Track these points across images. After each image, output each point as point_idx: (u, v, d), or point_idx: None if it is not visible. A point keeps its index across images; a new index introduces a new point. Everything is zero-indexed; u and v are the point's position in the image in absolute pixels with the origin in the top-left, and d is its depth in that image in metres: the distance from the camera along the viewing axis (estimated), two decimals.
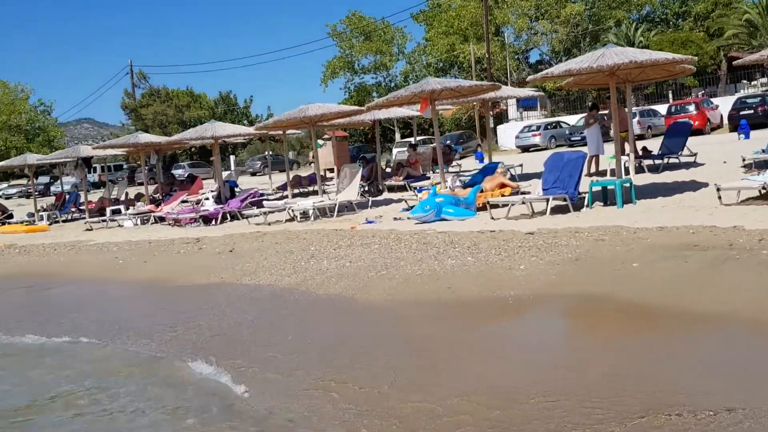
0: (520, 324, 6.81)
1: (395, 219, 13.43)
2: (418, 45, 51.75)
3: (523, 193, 13.55)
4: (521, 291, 7.33)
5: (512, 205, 12.20)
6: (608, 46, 12.10)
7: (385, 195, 18.26)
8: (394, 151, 37.78)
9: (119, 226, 18.49)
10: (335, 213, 15.12)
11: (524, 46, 49.85)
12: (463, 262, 8.77)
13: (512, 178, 16.21)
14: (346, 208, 15.61)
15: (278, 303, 8.41)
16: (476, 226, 11.11)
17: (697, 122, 29.42)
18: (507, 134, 40.49)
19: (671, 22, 43.51)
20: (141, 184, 40.65)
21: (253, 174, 41.67)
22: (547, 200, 11.56)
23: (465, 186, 14.63)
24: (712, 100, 34.63)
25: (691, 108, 31.82)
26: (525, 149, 35.68)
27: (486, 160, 28.69)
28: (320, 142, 34.09)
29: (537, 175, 16.99)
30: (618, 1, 45.34)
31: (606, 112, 16.88)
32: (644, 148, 17.04)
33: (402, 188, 18.63)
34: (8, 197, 45.10)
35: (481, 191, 13.26)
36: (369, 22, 50.60)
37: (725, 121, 31.66)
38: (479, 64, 44.36)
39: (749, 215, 9.19)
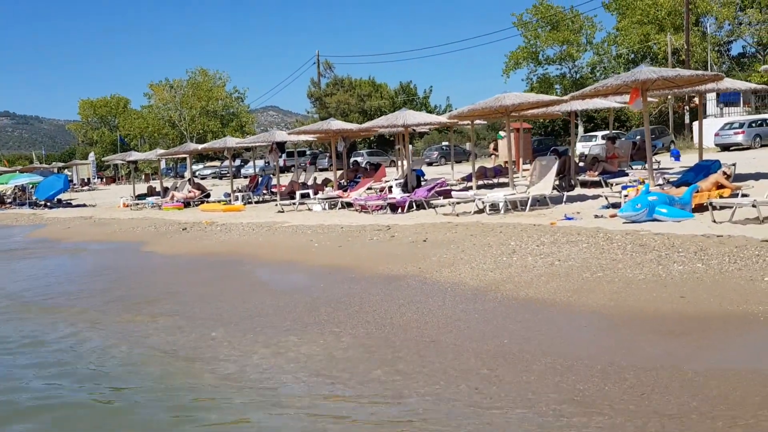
0: None
1: (596, 217, 12.53)
2: (608, 35, 49.17)
3: (744, 195, 12.14)
4: None
5: (737, 207, 10.90)
6: None
7: (578, 191, 17.24)
8: (578, 145, 36.09)
9: (309, 209, 18.90)
10: (527, 207, 14.43)
11: (726, 37, 45.92)
12: (692, 269, 7.81)
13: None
14: (538, 202, 14.86)
15: (490, 304, 7.91)
16: (697, 229, 10.00)
17: None
18: (705, 131, 37.41)
19: None
20: (323, 169, 42.20)
21: (430, 164, 41.58)
22: None
23: (675, 185, 13.40)
24: None
25: None
26: (725, 148, 32.81)
27: (682, 158, 26.74)
28: (501, 133, 33.29)
29: (746, 177, 15.35)
30: None
31: None
32: None
33: (596, 184, 17.53)
34: (203, 177, 48.33)
35: (697, 191, 12.01)
36: (557, 11, 48.73)
37: None
38: (675, 55, 41.34)
39: None
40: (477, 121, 22.52)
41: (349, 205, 18.28)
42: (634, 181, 15.37)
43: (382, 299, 8.45)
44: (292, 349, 6.78)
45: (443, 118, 19.29)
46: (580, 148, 34.03)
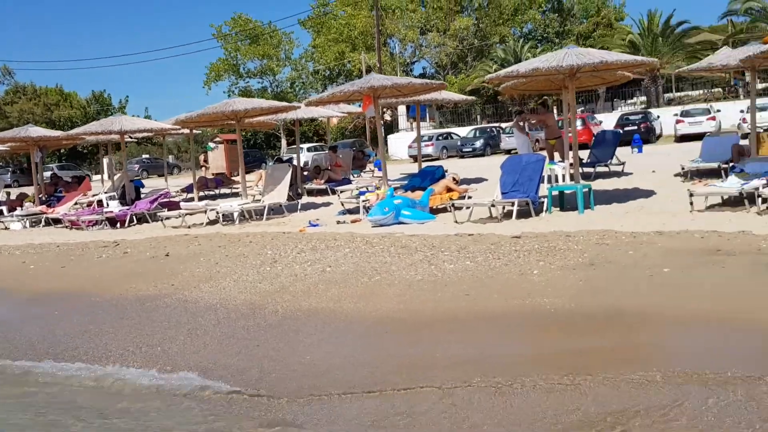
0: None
1: (339, 222, 12.48)
2: (305, 51, 50.66)
3: (469, 197, 13.01)
4: (555, 299, 6.60)
5: (473, 208, 11.58)
6: (570, 47, 11.76)
7: (306, 199, 17.17)
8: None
9: (5, 228, 16.18)
10: (264, 216, 13.93)
11: (409, 58, 50.08)
12: (464, 267, 7.96)
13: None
14: (273, 211, 14.44)
15: (274, 318, 7.21)
16: (443, 229, 10.37)
17: (583, 137, 30.39)
18: (398, 144, 40.36)
19: (554, 41, 45.04)
20: (8, 186, 36.95)
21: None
22: (513, 203, 11.03)
23: (405, 190, 13.89)
24: (595, 116, 36.00)
25: (578, 123, 32.83)
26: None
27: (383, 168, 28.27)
28: (211, 145, 32.32)
29: (466, 181, 16.60)
30: (503, 17, 46.45)
31: (534, 119, 16.68)
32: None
33: (322, 192, 17.64)
34: None
35: (432, 194, 12.57)
36: (255, 25, 48.91)
37: (599, 137, 32.84)
38: (369, 73, 44.00)
39: (732, 221, 9.03)
40: (185, 131, 21.33)
41: (57, 221, 16.03)
42: (363, 187, 15.71)
43: (141, 324, 7.29)
44: None
45: (166, 125, 17.86)
46: (312, 157, 34.39)
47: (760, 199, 9.58)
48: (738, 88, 36.71)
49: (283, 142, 44.71)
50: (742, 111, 28.77)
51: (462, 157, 33.94)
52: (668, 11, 54.87)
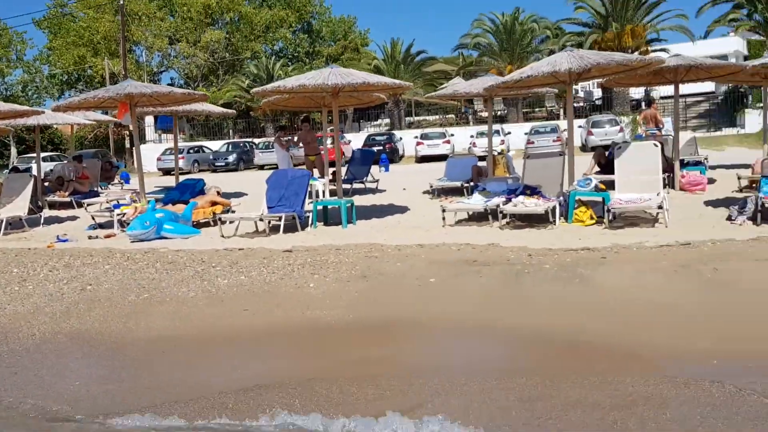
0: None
1: (90, 237, 11.59)
2: (40, 53, 46.39)
3: (232, 211, 12.86)
4: (334, 311, 6.76)
5: (239, 222, 11.43)
6: (332, 66, 12.12)
7: (48, 212, 15.68)
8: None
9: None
10: (1, 230, 12.50)
11: (157, 67, 48.18)
12: (238, 282, 7.83)
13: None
14: (12, 225, 13.03)
15: (29, 342, 6.46)
16: (210, 244, 10.13)
17: (333, 155, 31.54)
18: (146, 156, 38.44)
19: (304, 61, 46.13)
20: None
21: None
22: (281, 218, 11.08)
23: (164, 203, 13.31)
24: (344, 135, 37.47)
25: (329, 142, 33.95)
26: (167, 172, 34.23)
27: (132, 181, 26.73)
28: None
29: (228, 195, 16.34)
30: (255, 33, 46.58)
31: (294, 136, 16.95)
32: (333, 173, 17.52)
33: (67, 205, 16.25)
34: None
35: (196, 208, 12.19)
36: None
37: (356, 155, 34.38)
38: (113, 79, 41.47)
39: (480, 234, 9.93)
40: None
41: None
42: (115, 200, 14.78)
43: None
44: None
45: None
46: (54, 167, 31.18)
47: (501, 214, 10.65)
48: (468, 115, 40.51)
49: (13, 150, 40.44)
50: (472, 136, 31.80)
51: (215, 171, 33.32)
52: (409, 40, 59.02)
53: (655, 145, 10.96)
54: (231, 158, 33.95)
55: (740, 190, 12.31)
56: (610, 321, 6.03)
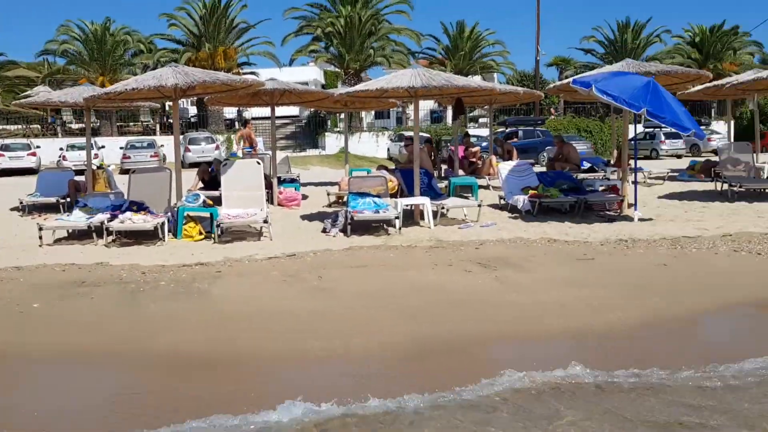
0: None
1: None
2: None
3: None
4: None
5: None
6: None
7: None
8: None
9: None
10: None
11: None
12: None
13: None
14: None
15: None
16: None
17: None
18: None
19: None
20: None
21: None
22: None
23: None
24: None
25: None
26: None
27: None
28: None
29: None
30: None
31: None
32: None
33: None
34: None
35: None
36: None
37: None
38: None
39: (84, 253, 9.37)
40: None
41: None
42: None
43: None
44: None
45: None
46: None
47: (107, 231, 10.16)
48: (56, 126, 37.53)
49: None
50: (61, 149, 29.49)
51: None
52: None
53: (258, 163, 11.64)
54: None
55: (329, 205, 13.68)
56: (229, 330, 6.16)
